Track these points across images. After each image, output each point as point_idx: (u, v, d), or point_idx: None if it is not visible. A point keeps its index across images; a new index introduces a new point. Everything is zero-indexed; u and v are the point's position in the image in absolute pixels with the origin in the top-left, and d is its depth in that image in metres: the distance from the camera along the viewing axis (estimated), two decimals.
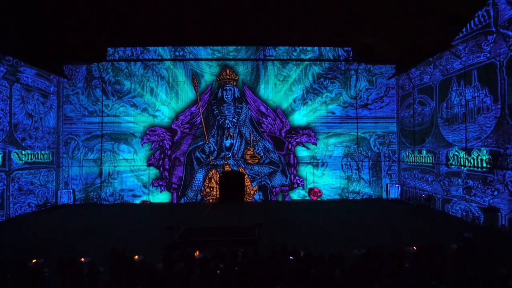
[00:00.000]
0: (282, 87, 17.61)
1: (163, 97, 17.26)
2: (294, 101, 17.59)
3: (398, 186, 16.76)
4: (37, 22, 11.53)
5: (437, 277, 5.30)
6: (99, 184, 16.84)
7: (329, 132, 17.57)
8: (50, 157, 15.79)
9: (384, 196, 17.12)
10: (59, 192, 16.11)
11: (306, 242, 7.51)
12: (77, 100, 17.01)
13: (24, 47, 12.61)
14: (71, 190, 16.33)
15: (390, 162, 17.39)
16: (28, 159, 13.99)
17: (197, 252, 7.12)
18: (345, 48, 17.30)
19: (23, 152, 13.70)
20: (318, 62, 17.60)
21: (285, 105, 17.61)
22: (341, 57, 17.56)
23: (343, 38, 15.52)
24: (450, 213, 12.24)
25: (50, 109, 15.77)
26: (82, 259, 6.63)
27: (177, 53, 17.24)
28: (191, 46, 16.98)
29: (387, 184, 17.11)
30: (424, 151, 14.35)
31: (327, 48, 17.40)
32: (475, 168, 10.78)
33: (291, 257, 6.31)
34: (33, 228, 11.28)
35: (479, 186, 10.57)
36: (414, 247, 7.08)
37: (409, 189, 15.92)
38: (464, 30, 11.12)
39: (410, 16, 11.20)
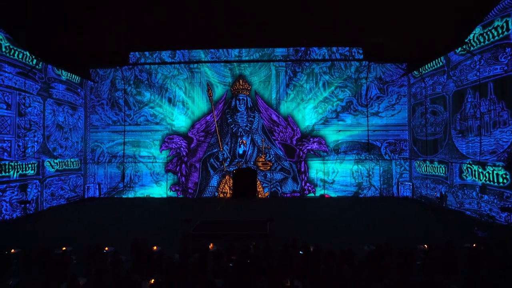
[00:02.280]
0: (294, 96, 17.44)
1: (180, 106, 17.59)
2: (305, 109, 17.39)
3: (410, 185, 16.17)
4: (64, 27, 11.96)
5: (448, 276, 5.10)
6: (122, 188, 17.43)
7: (340, 140, 17.23)
8: (79, 164, 16.53)
9: (395, 190, 16.61)
10: (86, 186, 16.87)
11: (316, 238, 7.35)
12: (102, 110, 17.67)
13: (54, 53, 13.16)
14: (97, 185, 17.01)
15: (402, 169, 16.80)
16: (59, 167, 14.72)
17: (211, 245, 7.16)
18: (356, 57, 16.91)
19: (55, 160, 14.43)
20: (329, 71, 17.30)
21: (296, 114, 17.45)
22: (353, 67, 17.18)
23: (354, 37, 15.04)
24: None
25: (78, 119, 16.48)
26: (106, 249, 6.84)
27: (192, 65, 17.54)
28: (205, 49, 17.10)
29: (397, 178, 16.57)
30: (436, 162, 13.73)
31: (338, 55, 17.08)
32: (491, 183, 10.19)
33: (300, 252, 6.26)
34: (63, 219, 11.87)
35: (495, 201, 9.99)
36: (425, 245, 6.76)
37: (421, 182, 15.27)
38: (482, 40, 10.50)
39: (422, 14, 10.64)
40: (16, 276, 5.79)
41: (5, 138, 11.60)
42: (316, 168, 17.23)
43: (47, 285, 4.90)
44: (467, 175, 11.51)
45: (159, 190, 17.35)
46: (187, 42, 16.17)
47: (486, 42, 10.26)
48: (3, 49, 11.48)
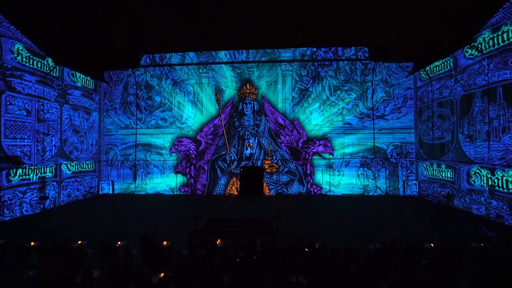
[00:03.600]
0: (300, 100, 17.32)
1: (189, 110, 17.74)
2: (311, 112, 17.25)
3: (416, 183, 15.82)
4: (79, 32, 12.21)
5: (454, 275, 4.99)
6: (134, 189, 17.73)
7: (345, 142, 17.02)
8: (93, 166, 16.92)
9: (401, 192, 16.29)
10: (100, 183, 17.27)
11: (321, 235, 7.27)
12: (115, 114, 18.02)
13: (70, 56, 13.44)
14: (110, 182, 17.37)
15: (408, 172, 16.42)
16: (75, 169, 15.11)
17: (218, 241, 7.18)
18: (364, 61, 16.65)
19: (72, 163, 14.82)
20: (334, 75, 17.09)
21: (302, 117, 17.32)
22: (358, 70, 16.93)
23: (359, 37, 14.74)
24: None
25: (93, 124, 16.86)
26: (119, 243, 6.97)
27: (200, 70, 17.66)
28: (212, 50, 17.18)
29: (404, 181, 16.24)
30: (443, 166, 13.37)
31: (345, 61, 16.89)
32: (500, 188, 9.84)
33: (306, 249, 6.22)
34: (78, 214, 12.16)
35: (505, 208, 9.64)
36: (432, 244, 6.59)
37: (427, 186, 14.90)
38: (491, 44, 10.13)
39: (429, 11, 10.29)
40: (35, 267, 6.02)
41: (26, 143, 11.99)
42: (322, 171, 17.08)
43: (64, 277, 5.05)
44: (475, 180, 11.15)
45: (170, 193, 17.57)
46: (196, 44, 16.29)
47: (496, 46, 9.89)
48: (24, 59, 11.86)
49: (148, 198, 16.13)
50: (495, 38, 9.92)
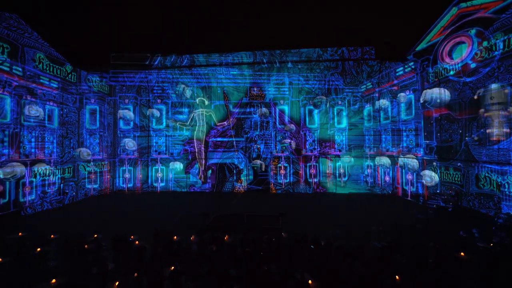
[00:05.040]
0: (307, 102, 17.20)
1: (199, 112, 17.91)
2: (317, 114, 17.09)
3: (423, 182, 15.33)
4: (95, 36, 12.58)
5: (461, 274, 4.86)
6: (146, 188, 18.08)
7: (352, 144, 16.78)
8: (109, 166, 17.35)
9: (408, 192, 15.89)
10: (115, 180, 17.67)
11: (327, 233, 7.15)
12: (129, 117, 18.37)
13: (87, 60, 13.95)
14: (124, 179, 17.74)
15: (414, 174, 15.97)
16: (91, 169, 15.56)
17: (226, 236, 7.16)
18: (370, 61, 16.33)
19: (88, 164, 15.27)
20: (341, 78, 16.84)
21: (309, 119, 17.19)
22: (364, 72, 16.60)
23: (366, 37, 14.52)
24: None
25: (108, 126, 17.30)
26: (132, 237, 7.10)
27: (210, 74, 17.80)
28: (220, 52, 17.36)
29: (410, 180, 15.80)
30: (451, 168, 12.92)
31: (351, 63, 16.62)
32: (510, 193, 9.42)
33: (312, 246, 6.15)
34: (94, 209, 12.49)
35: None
36: (437, 243, 6.30)
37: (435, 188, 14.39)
38: (501, 46, 9.70)
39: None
40: (55, 259, 6.22)
41: (46, 146, 12.45)
42: (328, 171, 16.90)
43: (81, 268, 5.22)
44: (484, 184, 10.72)
45: (180, 180, 17.80)
46: (205, 46, 16.56)
47: (506, 49, 9.45)
48: (45, 67, 12.30)
49: (160, 196, 16.42)
50: (507, 40, 9.48)
